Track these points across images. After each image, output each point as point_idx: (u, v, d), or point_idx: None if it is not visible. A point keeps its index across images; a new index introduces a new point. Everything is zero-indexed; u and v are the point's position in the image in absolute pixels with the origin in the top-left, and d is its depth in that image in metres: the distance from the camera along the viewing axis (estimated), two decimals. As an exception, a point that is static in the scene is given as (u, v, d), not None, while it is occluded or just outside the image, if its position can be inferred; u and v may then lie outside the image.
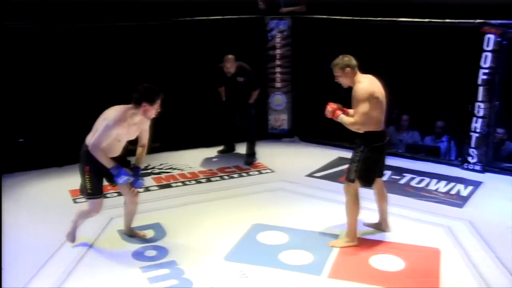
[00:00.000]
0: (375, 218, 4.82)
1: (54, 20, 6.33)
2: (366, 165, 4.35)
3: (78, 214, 4.42)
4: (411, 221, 5.02)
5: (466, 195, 5.69)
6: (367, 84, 4.27)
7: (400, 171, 6.35)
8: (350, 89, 4.37)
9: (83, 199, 4.57)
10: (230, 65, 6.42)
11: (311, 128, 7.49)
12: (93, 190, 4.23)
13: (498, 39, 6.01)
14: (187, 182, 6.06)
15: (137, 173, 4.37)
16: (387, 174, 6.22)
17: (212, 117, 7.05)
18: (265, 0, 7.55)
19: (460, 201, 5.53)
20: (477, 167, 6.37)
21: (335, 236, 4.65)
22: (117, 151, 4.26)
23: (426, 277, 4.07)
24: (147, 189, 5.80)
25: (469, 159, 6.41)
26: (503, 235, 4.71)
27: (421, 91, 7.19)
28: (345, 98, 4.48)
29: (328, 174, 6.26)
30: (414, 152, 7.05)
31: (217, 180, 6.15)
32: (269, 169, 6.50)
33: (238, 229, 4.78)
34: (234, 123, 6.85)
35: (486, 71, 6.12)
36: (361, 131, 4.27)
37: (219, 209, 5.27)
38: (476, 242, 4.60)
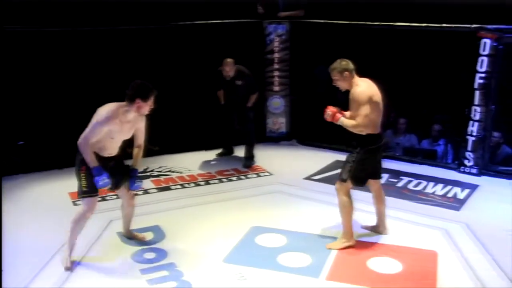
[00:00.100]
0: (372, 221, 4.86)
1: (54, 24, 6.35)
2: (360, 166, 4.41)
3: (72, 226, 4.18)
4: (408, 223, 5.06)
5: (462, 198, 5.73)
6: (366, 88, 4.33)
7: (397, 174, 6.39)
8: (347, 92, 4.43)
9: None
10: (229, 68, 6.46)
11: (309, 132, 7.53)
12: (88, 188, 4.12)
13: (494, 44, 6.06)
14: (186, 185, 6.09)
15: (134, 175, 4.36)
16: (385, 177, 6.25)
17: (211, 120, 7.07)
18: (264, 5, 7.59)
19: (457, 204, 5.57)
20: (474, 170, 6.41)
21: (333, 239, 4.67)
22: (112, 149, 4.21)
23: (424, 279, 4.10)
24: (146, 191, 5.83)
25: (466, 162, 6.46)
26: (500, 237, 4.75)
27: (418, 94, 7.23)
28: (343, 101, 4.53)
29: (326, 177, 6.29)
30: (411, 155, 7.09)
31: (215, 183, 6.18)
32: (267, 172, 6.54)
33: (236, 232, 4.80)
34: (233, 126, 6.88)
35: (483, 75, 6.17)
36: (363, 133, 4.32)
37: (217, 212, 5.30)
38: (473, 245, 4.64)
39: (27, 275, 4.06)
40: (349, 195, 4.48)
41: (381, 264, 4.30)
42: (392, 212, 5.14)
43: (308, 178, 6.29)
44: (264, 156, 7.00)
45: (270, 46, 7.56)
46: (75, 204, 5.36)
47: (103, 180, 4.03)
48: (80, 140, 3.98)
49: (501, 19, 6.06)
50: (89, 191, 4.14)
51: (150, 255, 4.42)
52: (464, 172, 6.46)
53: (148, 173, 6.40)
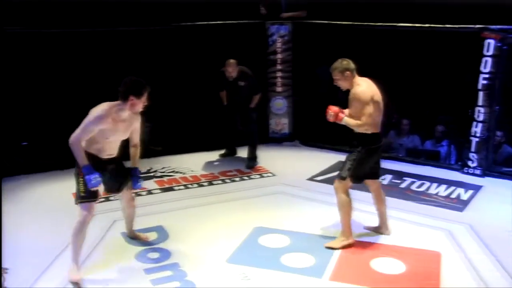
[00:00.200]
0: (373, 221, 4.85)
1: (56, 25, 6.36)
2: (360, 165, 4.43)
3: (73, 238, 4.04)
4: (411, 224, 5.05)
5: (466, 199, 5.72)
6: (367, 87, 4.36)
7: (400, 175, 6.39)
8: (347, 92, 4.44)
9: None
10: (232, 69, 6.47)
11: (312, 132, 7.53)
12: (86, 193, 3.99)
13: (498, 44, 6.06)
14: (189, 186, 6.09)
15: (135, 174, 4.33)
16: (388, 178, 6.26)
17: (213, 121, 7.08)
18: (266, 5, 7.59)
19: (460, 205, 5.56)
20: (477, 171, 6.40)
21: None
22: (110, 150, 4.11)
23: (427, 280, 4.10)
24: (149, 192, 5.84)
25: (469, 163, 6.45)
26: (504, 238, 4.75)
27: (422, 95, 7.22)
28: (344, 101, 4.53)
29: (329, 177, 6.28)
30: (415, 156, 7.08)
31: (218, 184, 6.18)
32: (270, 172, 6.54)
33: (240, 232, 4.81)
34: (236, 127, 6.88)
35: (486, 76, 6.16)
36: (369, 132, 4.33)
37: (221, 212, 5.31)
38: (477, 246, 4.63)
39: (30, 276, 4.06)
40: (348, 194, 4.50)
41: (385, 265, 4.30)
42: (395, 213, 5.14)
43: (311, 179, 6.29)
44: (267, 157, 7.00)
45: (273, 47, 7.57)
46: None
47: (95, 179, 3.88)
48: (71, 139, 3.85)
49: (505, 19, 6.05)
50: (87, 196, 4.01)
51: (154, 255, 4.43)
52: (467, 173, 6.45)
53: (151, 174, 6.41)
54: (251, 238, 4.74)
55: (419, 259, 4.40)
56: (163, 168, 6.65)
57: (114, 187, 4.31)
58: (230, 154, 7.13)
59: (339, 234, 4.60)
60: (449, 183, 6.15)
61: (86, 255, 4.34)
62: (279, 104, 7.76)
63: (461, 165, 6.58)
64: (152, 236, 4.76)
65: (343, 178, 4.45)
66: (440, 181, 6.20)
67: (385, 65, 7.03)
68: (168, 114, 7.27)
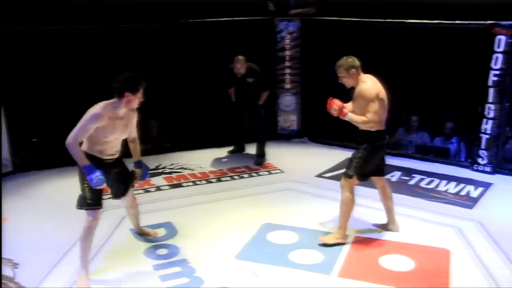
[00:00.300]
0: (381, 218, 4.84)
1: (67, 22, 6.40)
2: (366, 162, 4.42)
3: (81, 244, 3.99)
4: (420, 221, 5.03)
5: (476, 196, 5.68)
6: (372, 84, 4.35)
7: (409, 172, 6.36)
8: (351, 89, 4.43)
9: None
10: (240, 66, 6.47)
11: (321, 129, 7.51)
12: (92, 200, 3.91)
13: (509, 40, 6.00)
14: (198, 182, 6.11)
15: (141, 165, 4.29)
16: (397, 175, 6.25)
17: (222, 117, 7.08)
18: (275, 2, 7.58)
19: (470, 202, 5.53)
20: (487, 169, 6.36)
21: (345, 236, 4.67)
22: (111, 150, 4.00)
23: (436, 277, 4.08)
24: (158, 188, 5.86)
25: (479, 160, 6.41)
26: (513, 236, 4.72)
27: (431, 92, 7.19)
28: (351, 98, 4.52)
29: (337, 174, 6.25)
30: (424, 153, 7.04)
31: (227, 180, 6.19)
32: (278, 169, 6.53)
33: (248, 229, 4.81)
34: (244, 124, 6.89)
35: (497, 72, 6.10)
36: (373, 129, 4.31)
37: (229, 209, 5.31)
38: (486, 243, 4.60)
39: (40, 272, 4.08)
40: (352, 192, 4.49)
41: (393, 262, 4.28)
42: (404, 210, 5.13)
43: (320, 175, 6.28)
44: (276, 153, 6.99)
45: (281, 43, 7.55)
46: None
47: (97, 177, 3.73)
48: (67, 140, 3.72)
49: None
50: (93, 203, 3.93)
51: (162, 252, 4.44)
52: (477, 170, 6.40)
53: (160, 170, 6.43)
54: (259, 235, 4.74)
55: (428, 256, 4.38)
56: (171, 164, 6.66)
57: (119, 191, 4.24)
58: (239, 150, 7.13)
59: (335, 230, 4.59)
60: (459, 180, 6.12)
61: (95, 252, 4.35)
62: (288, 100, 7.75)
63: (471, 162, 6.54)
64: (160, 232, 4.78)
65: (349, 176, 4.45)
66: (449, 178, 6.16)
67: (394, 62, 7.01)
68: (176, 110, 7.30)
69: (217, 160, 6.85)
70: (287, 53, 7.57)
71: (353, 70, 4.33)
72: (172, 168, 6.53)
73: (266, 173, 6.44)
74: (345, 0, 7.08)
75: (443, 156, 6.93)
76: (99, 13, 6.48)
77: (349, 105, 4.44)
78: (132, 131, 4.18)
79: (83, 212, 4.07)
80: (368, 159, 4.42)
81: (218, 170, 6.50)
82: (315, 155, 7.14)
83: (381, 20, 6.83)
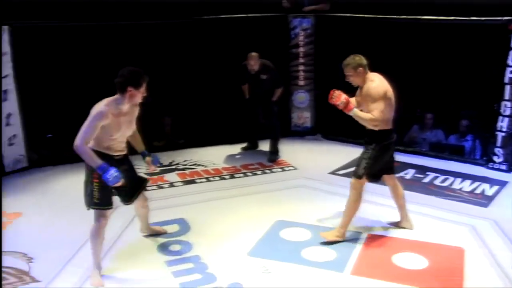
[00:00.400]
0: (395, 216, 4.81)
1: (81, 18, 6.44)
2: (375, 162, 4.39)
3: (92, 241, 3.97)
4: (434, 219, 4.99)
5: (491, 194, 5.62)
6: (380, 83, 4.32)
7: (423, 169, 6.32)
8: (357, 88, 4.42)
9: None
10: (254, 62, 6.46)
11: (334, 126, 7.48)
12: (100, 200, 3.84)
13: (526, 37, 5.93)
14: (211, 178, 6.12)
15: (148, 154, 4.20)
16: (411, 172, 6.21)
17: (235, 114, 7.09)
18: (290, -1, 7.57)
19: (485, 200, 5.47)
20: (503, 167, 6.28)
21: (358, 234, 4.66)
22: (117, 147, 3.92)
23: (451, 276, 4.05)
24: (171, 184, 5.89)
25: (495, 158, 6.34)
26: (529, 235, 4.67)
27: (446, 89, 7.12)
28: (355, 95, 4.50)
29: (351, 172, 6.22)
30: (438, 150, 6.98)
31: (240, 177, 6.19)
32: (292, 166, 6.53)
33: (261, 225, 4.81)
34: (258, 121, 6.88)
35: (514, 69, 6.04)
36: (376, 128, 4.29)
37: (242, 205, 5.32)
38: (502, 242, 4.56)
39: (53, 268, 4.12)
40: (361, 192, 4.46)
41: (407, 260, 4.26)
42: (418, 208, 5.10)
43: (333, 172, 6.26)
44: (289, 150, 6.99)
45: (295, 40, 7.53)
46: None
47: (112, 175, 3.64)
48: (76, 143, 3.65)
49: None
50: (100, 203, 3.86)
51: (175, 247, 4.46)
52: (492, 168, 6.33)
53: (173, 167, 6.45)
54: (272, 232, 4.74)
55: (442, 254, 4.35)
56: (185, 161, 6.69)
57: (127, 195, 4.10)
58: (252, 147, 7.13)
59: (337, 227, 4.57)
60: (474, 178, 6.06)
61: (108, 248, 4.38)
62: (301, 97, 7.73)
63: (486, 160, 6.48)
64: (173, 228, 4.80)
65: (359, 177, 4.43)
66: (464, 176, 6.11)
67: (409, 59, 6.95)
68: (190, 107, 7.32)
69: (231, 157, 6.86)
70: (301, 49, 7.55)
71: (361, 68, 4.30)
72: (185, 165, 6.55)
73: (280, 170, 6.44)
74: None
75: (458, 154, 6.87)
76: (116, 10, 6.51)
77: (352, 100, 4.40)
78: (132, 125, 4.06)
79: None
80: (377, 159, 4.39)
81: (231, 166, 6.50)
82: (328, 152, 7.12)
83: (395, 16, 6.77)
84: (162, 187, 5.83)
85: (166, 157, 6.73)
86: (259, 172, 6.34)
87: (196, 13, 6.98)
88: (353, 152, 6.75)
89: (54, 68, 6.45)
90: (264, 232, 4.71)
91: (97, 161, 3.68)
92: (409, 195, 5.45)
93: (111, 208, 3.95)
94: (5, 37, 5.90)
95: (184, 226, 4.86)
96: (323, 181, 5.98)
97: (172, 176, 6.14)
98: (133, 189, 4.12)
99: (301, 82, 7.65)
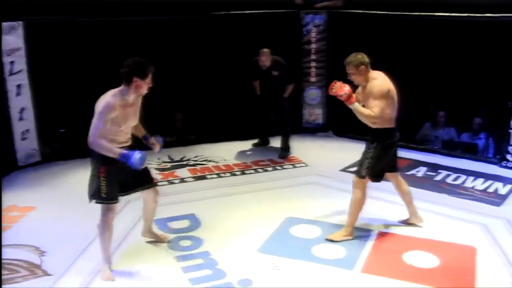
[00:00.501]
0: (405, 213, 4.78)
1: (94, 14, 6.47)
2: (378, 161, 4.36)
3: (100, 235, 3.96)
4: (446, 218, 4.96)
5: (504, 193, 5.57)
6: (384, 81, 4.29)
7: (435, 167, 6.27)
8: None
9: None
10: (266, 58, 6.45)
11: (346, 123, 7.42)
12: (107, 195, 3.82)
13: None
14: (222, 174, 6.13)
15: (149, 137, 4.06)
16: (422, 170, 6.17)
17: (247, 110, 7.09)
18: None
19: (498, 199, 5.42)
20: (517, 165, 6.23)
21: (368, 231, 4.65)
22: (123, 138, 3.87)
23: (462, 275, 4.02)
24: (182, 180, 5.91)
25: (508, 157, 6.27)
26: (542, 234, 4.62)
27: (459, 87, 7.06)
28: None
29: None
30: (451, 148, 6.93)
31: (251, 173, 6.20)
32: (303, 163, 6.51)
33: (271, 222, 4.81)
34: (269, 117, 6.87)
35: (528, 67, 5.97)
36: (373, 126, 4.27)
37: (253, 202, 5.32)
38: (514, 241, 4.52)
39: (65, 262, 4.15)
40: (364, 192, 4.44)
41: (418, 258, 4.23)
42: (429, 206, 5.07)
43: (344, 170, 6.24)
44: (300, 147, 6.97)
45: (307, 36, 7.51)
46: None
47: (136, 159, 3.60)
48: (90, 140, 3.64)
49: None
50: (107, 198, 3.84)
51: (185, 243, 4.47)
52: (506, 167, 6.27)
53: (184, 162, 6.47)
54: (282, 228, 4.74)
55: (454, 253, 4.32)
56: (196, 156, 6.70)
57: (128, 186, 4.00)
58: (263, 143, 7.13)
59: (343, 228, 4.55)
60: (487, 176, 6.00)
61: (119, 242, 4.40)
62: (313, 94, 7.71)
63: (500, 158, 6.41)
64: (184, 224, 4.81)
65: (361, 176, 4.41)
66: (477, 175, 6.05)
67: (422, 56, 6.90)
68: (202, 103, 7.33)
69: (241, 153, 6.86)
70: (313, 46, 7.52)
71: (363, 66, 4.26)
72: (196, 160, 6.57)
73: (291, 166, 6.43)
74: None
75: (470, 152, 6.81)
76: (129, 5, 6.54)
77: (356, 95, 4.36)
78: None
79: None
80: (380, 158, 4.36)
81: (242, 162, 6.51)
82: (340, 149, 7.09)
83: (409, 13, 6.72)
84: (173, 183, 5.85)
85: (177, 153, 6.76)
86: (270, 169, 6.34)
87: (209, 9, 6.98)
88: (365, 149, 6.78)
89: (67, 63, 6.49)
90: (274, 229, 4.71)
91: (116, 151, 3.67)
92: (420, 193, 5.45)
93: (117, 202, 3.94)
94: (20, 33, 5.95)
95: (195, 221, 4.87)
96: (334, 178, 5.97)
97: (183, 171, 6.16)
98: (135, 181, 4.02)
99: (313, 79, 7.63)
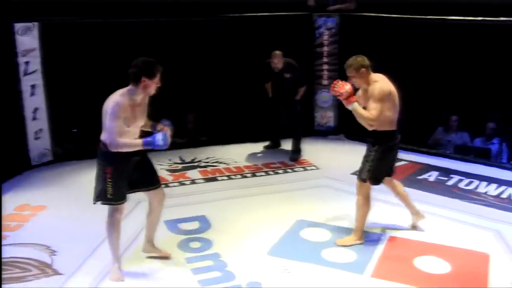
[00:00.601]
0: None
1: (105, 15, 6.50)
2: (379, 165, 4.33)
3: (108, 235, 3.96)
4: (458, 223, 4.91)
5: (517, 199, 5.52)
6: (385, 84, 4.26)
7: (447, 172, 6.22)
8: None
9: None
10: (278, 60, 6.45)
11: (357, 126, 7.38)
12: (113, 196, 3.79)
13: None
14: (233, 176, 6.13)
15: (156, 125, 3.93)
16: (434, 175, 6.13)
17: (258, 112, 7.08)
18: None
19: (511, 205, 5.35)
20: (531, 171, 6.16)
21: (379, 235, 4.62)
22: (130, 138, 3.77)
23: (474, 282, 3.97)
24: (193, 181, 5.92)
25: (522, 162, 6.22)
26: (556, 242, 4.55)
27: (472, 91, 7.00)
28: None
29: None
30: (463, 153, 6.88)
31: (262, 175, 6.19)
32: (314, 166, 6.50)
33: (281, 225, 4.80)
34: (281, 119, 6.86)
35: (543, 71, 5.90)
36: (370, 129, 4.24)
37: (263, 204, 5.31)
38: (527, 248, 4.46)
39: (75, 261, 4.17)
40: (368, 195, 4.42)
41: (429, 264, 4.19)
42: (441, 211, 5.04)
43: (355, 173, 6.16)
44: (312, 149, 6.96)
45: (320, 39, 7.50)
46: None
47: (159, 140, 3.61)
48: (111, 143, 3.61)
49: None
50: (113, 199, 3.81)
51: (195, 245, 4.47)
52: (519, 173, 6.21)
53: (195, 164, 6.48)
54: (292, 231, 4.73)
55: (466, 259, 4.28)
56: (207, 158, 6.71)
57: (136, 184, 3.94)
58: (274, 146, 7.12)
59: (352, 232, 4.53)
60: (500, 182, 5.94)
61: (129, 243, 4.41)
62: (325, 97, 7.68)
63: (513, 164, 6.36)
64: (194, 225, 4.82)
65: (363, 180, 4.38)
66: (490, 180, 5.99)
67: (434, 59, 6.86)
68: (213, 104, 7.34)
69: (252, 155, 6.86)
70: (325, 49, 7.51)
71: (363, 69, 4.23)
72: (207, 162, 6.57)
73: (301, 169, 6.41)
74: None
75: (483, 157, 6.75)
76: (143, 7, 6.57)
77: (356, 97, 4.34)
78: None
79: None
80: (381, 161, 4.33)
81: (253, 165, 6.50)
82: (351, 152, 7.03)
83: (421, 17, 6.68)
84: (183, 184, 5.86)
85: (188, 154, 6.77)
86: (280, 171, 6.33)
87: (222, 11, 6.99)
88: (376, 153, 6.74)
89: (80, 64, 6.53)
90: (284, 232, 4.70)
91: (138, 142, 3.68)
92: (432, 197, 5.42)
93: (125, 202, 3.90)
94: (35, 33, 6.01)
95: (205, 223, 4.87)
96: (345, 182, 5.93)
97: (194, 173, 6.17)
98: (142, 181, 3.98)
99: (325, 82, 7.60)
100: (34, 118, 6.17)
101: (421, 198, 5.37)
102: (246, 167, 6.43)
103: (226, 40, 7.15)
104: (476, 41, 6.65)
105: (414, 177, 6.08)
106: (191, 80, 7.14)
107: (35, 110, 6.16)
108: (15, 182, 5.82)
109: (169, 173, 6.12)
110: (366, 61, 4.26)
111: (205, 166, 6.42)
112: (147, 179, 4.00)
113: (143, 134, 3.89)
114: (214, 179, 6.03)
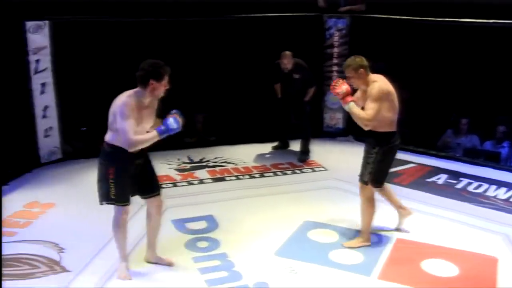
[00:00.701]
0: (428, 221, 4.73)
1: (116, 14, 6.51)
2: (380, 167, 4.32)
3: (114, 234, 3.95)
4: (467, 226, 4.89)
5: (527, 203, 5.48)
6: (384, 84, 4.24)
7: (457, 175, 6.19)
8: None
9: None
10: (287, 61, 6.45)
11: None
12: (116, 196, 3.77)
13: None
14: (241, 177, 6.13)
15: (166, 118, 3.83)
16: (443, 177, 6.09)
17: (267, 113, 7.08)
18: (326, -1, 7.52)
19: (520, 209, 5.33)
20: (541, 175, 6.11)
21: (387, 238, 4.60)
22: None
23: (482, 285, 3.95)
24: (201, 181, 5.93)
25: (532, 166, 6.17)
26: None
27: (483, 94, 6.96)
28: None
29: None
30: (473, 156, 6.83)
31: (270, 176, 6.19)
32: (322, 167, 6.49)
33: (289, 225, 4.80)
34: (289, 120, 6.86)
35: (554, 75, 5.86)
36: (365, 129, 4.23)
37: (271, 205, 5.31)
38: (536, 252, 4.43)
39: (83, 259, 4.19)
40: (372, 197, 4.40)
41: (436, 267, 4.18)
42: (450, 214, 5.02)
43: (364, 175, 6.18)
44: (320, 151, 6.95)
45: (330, 40, 7.48)
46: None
47: (172, 125, 3.59)
48: (127, 142, 3.57)
49: None
50: (116, 199, 3.79)
51: (203, 244, 4.48)
52: (530, 177, 6.16)
53: (204, 163, 6.49)
54: (300, 232, 4.72)
55: (474, 263, 4.26)
56: (215, 158, 6.72)
57: (135, 189, 3.91)
58: (283, 147, 7.12)
59: (359, 235, 4.52)
60: (509, 186, 5.90)
61: (136, 242, 4.41)
62: (334, 98, 7.57)
63: (524, 168, 6.31)
64: (202, 225, 4.83)
65: (365, 183, 4.36)
66: (499, 184, 5.95)
67: (445, 62, 6.82)
68: (222, 105, 7.35)
69: (261, 156, 6.86)
70: (335, 50, 7.49)
71: (362, 70, 4.21)
72: (215, 162, 6.58)
73: (310, 170, 6.40)
74: (396, -2, 6.94)
75: (493, 161, 6.70)
76: (153, 6, 6.59)
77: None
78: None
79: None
80: (381, 163, 4.31)
81: (261, 165, 6.50)
82: (360, 154, 6.86)
83: (432, 18, 6.64)
84: (192, 184, 5.87)
85: (196, 154, 6.79)
86: (289, 172, 6.33)
87: (232, 11, 7.00)
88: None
89: (91, 63, 6.57)
90: (292, 232, 4.69)
91: (153, 133, 3.64)
92: (440, 200, 5.39)
93: (128, 204, 3.86)
94: (46, 32, 6.04)
95: (212, 223, 4.88)
96: (354, 183, 5.83)
97: (202, 173, 6.18)
98: (142, 187, 3.95)
99: (335, 83, 7.58)
100: (44, 116, 6.20)
101: (429, 201, 5.37)
102: (255, 167, 6.43)
103: (236, 41, 7.16)
104: (487, 43, 6.61)
105: (423, 180, 6.05)
106: (201, 80, 7.15)
107: (45, 108, 6.20)
108: (25, 180, 5.86)
109: (178, 173, 6.13)
110: (364, 61, 4.25)
111: (213, 166, 6.43)
112: (145, 186, 3.97)
113: None
114: (222, 179, 6.04)
